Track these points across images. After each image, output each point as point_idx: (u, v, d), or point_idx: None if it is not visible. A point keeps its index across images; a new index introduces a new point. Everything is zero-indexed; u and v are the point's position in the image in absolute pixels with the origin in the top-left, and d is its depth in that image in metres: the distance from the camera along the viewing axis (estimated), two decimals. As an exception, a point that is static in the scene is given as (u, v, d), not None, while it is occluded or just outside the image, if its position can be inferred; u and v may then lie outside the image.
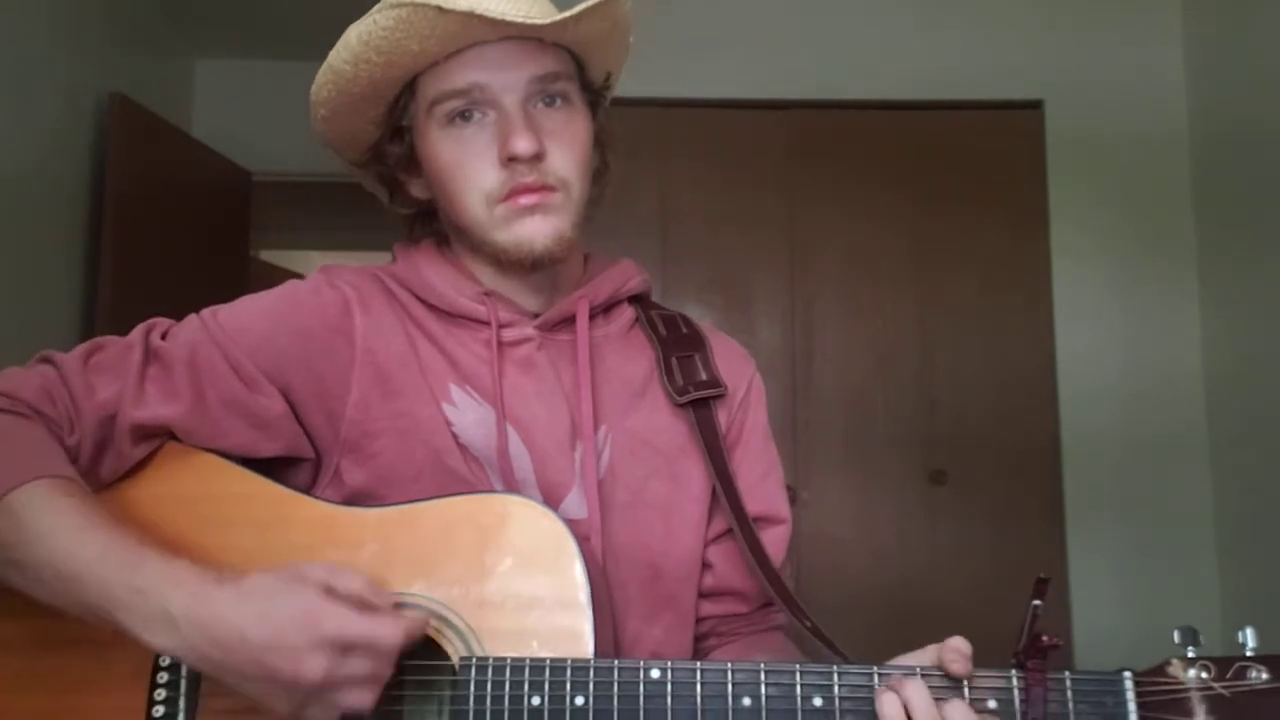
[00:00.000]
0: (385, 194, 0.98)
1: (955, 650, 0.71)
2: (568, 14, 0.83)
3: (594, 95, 0.93)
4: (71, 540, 0.74)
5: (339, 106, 0.90)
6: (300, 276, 0.97)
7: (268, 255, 4.74)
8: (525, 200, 0.85)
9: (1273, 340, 2.64)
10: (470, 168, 0.86)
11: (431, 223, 0.97)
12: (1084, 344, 3.02)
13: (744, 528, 0.90)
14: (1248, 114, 2.79)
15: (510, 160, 0.84)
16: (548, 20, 0.82)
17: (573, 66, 0.90)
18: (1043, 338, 3.04)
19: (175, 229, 3.56)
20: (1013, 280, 3.08)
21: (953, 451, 3.01)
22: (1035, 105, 3.11)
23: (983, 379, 3.04)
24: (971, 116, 3.13)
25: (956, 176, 3.10)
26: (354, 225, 4.90)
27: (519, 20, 0.81)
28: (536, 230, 0.86)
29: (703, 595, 0.95)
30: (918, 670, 0.71)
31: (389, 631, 0.70)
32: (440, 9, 0.80)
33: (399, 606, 0.76)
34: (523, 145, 0.83)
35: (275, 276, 0.97)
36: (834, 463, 3.00)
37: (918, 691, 0.69)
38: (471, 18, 0.80)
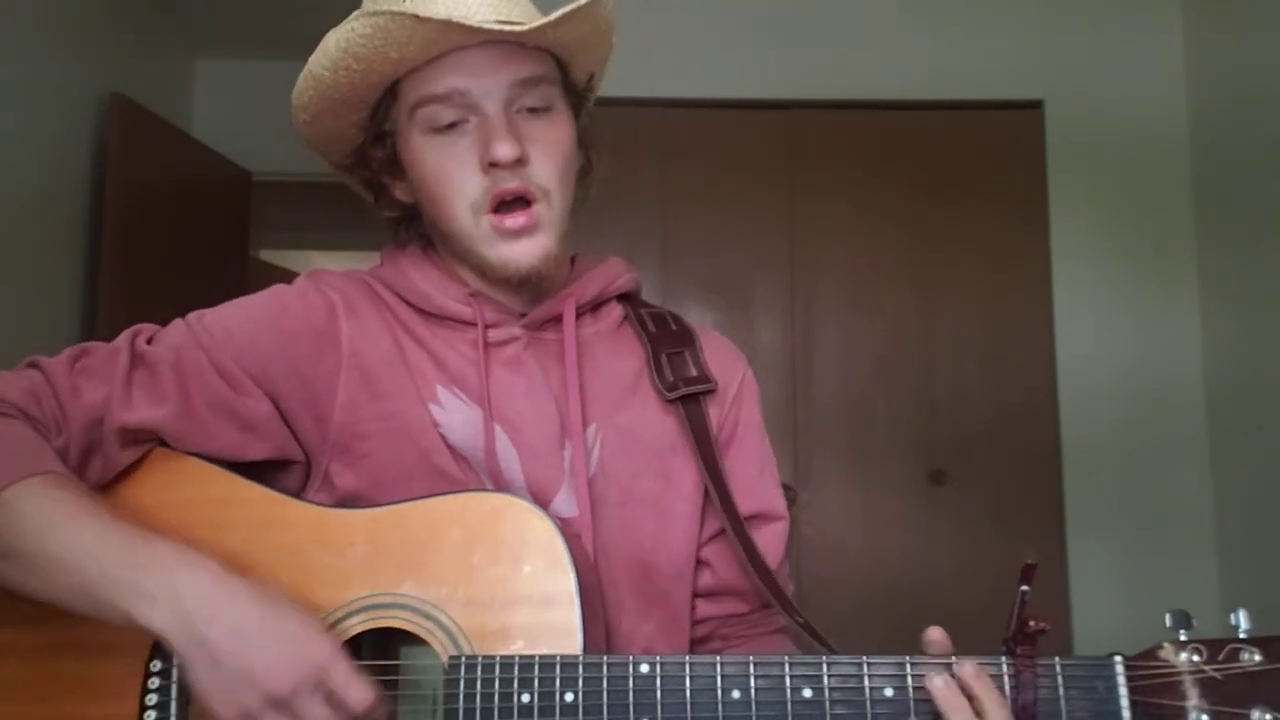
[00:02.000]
0: (370, 196, 0.98)
1: (935, 643, 0.73)
2: (545, 20, 0.83)
3: (576, 97, 0.93)
4: (70, 528, 0.74)
5: (320, 111, 0.90)
6: (300, 276, 0.97)
7: (268, 255, 4.73)
8: (512, 223, 0.85)
9: (1273, 340, 2.64)
10: (453, 174, 0.86)
11: (417, 226, 0.97)
12: (1084, 343, 3.02)
13: (735, 525, 0.90)
14: (1248, 114, 2.79)
15: (492, 165, 0.84)
16: (526, 26, 0.82)
17: (555, 69, 0.90)
18: (1043, 337, 3.04)
19: (175, 229, 3.56)
20: (1013, 280, 3.08)
21: (953, 451, 3.00)
22: (1035, 105, 3.11)
23: (983, 379, 3.03)
24: (971, 116, 3.13)
25: (956, 177, 3.10)
26: (354, 225, 4.90)
27: (496, 27, 0.81)
28: (523, 253, 0.86)
29: (702, 595, 0.95)
30: (953, 658, 0.72)
31: (364, 693, 0.71)
32: (418, 17, 0.79)
33: (391, 608, 0.76)
34: (504, 150, 0.83)
35: (275, 276, 0.97)
36: (834, 463, 3.00)
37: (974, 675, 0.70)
38: (449, 25, 0.80)
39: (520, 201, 0.86)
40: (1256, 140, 2.73)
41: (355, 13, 0.84)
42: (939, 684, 0.70)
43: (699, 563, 0.95)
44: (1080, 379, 3.01)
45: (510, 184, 0.85)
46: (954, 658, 0.71)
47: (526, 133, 0.86)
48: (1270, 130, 2.66)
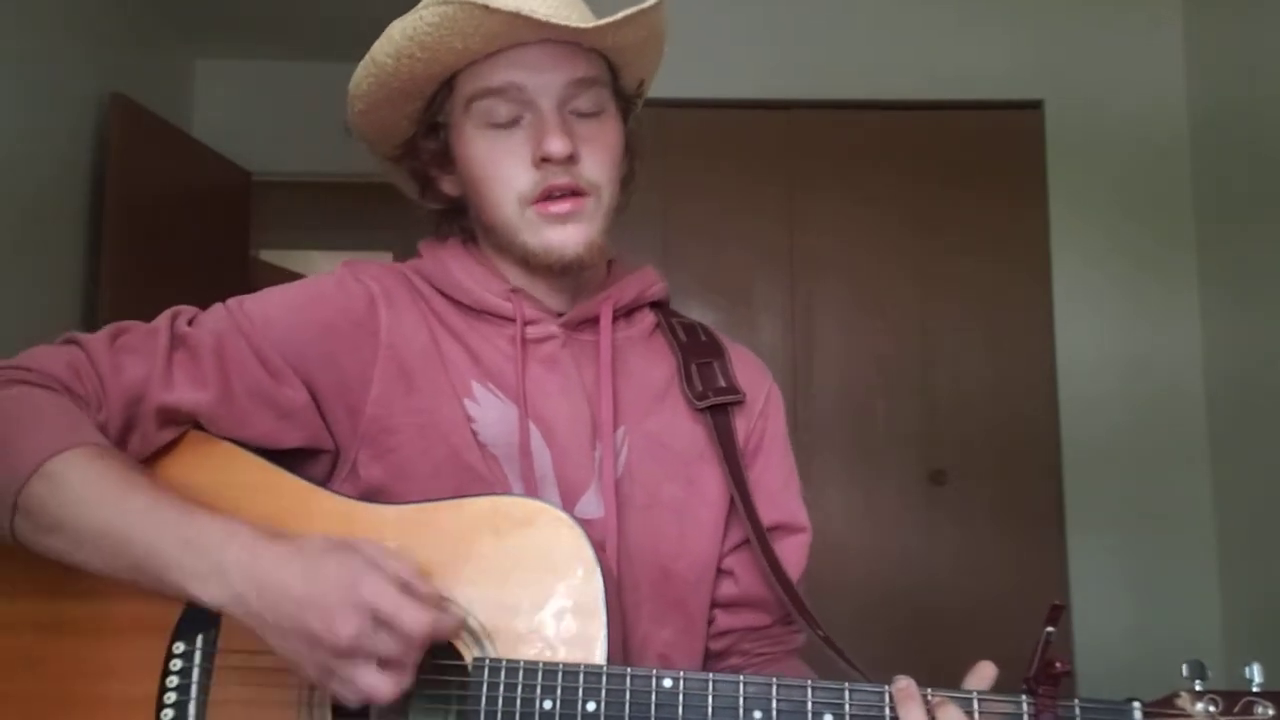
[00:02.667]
0: (416, 189, 0.99)
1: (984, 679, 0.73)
2: (610, 19, 0.83)
3: (626, 102, 0.95)
4: (117, 500, 0.74)
5: (377, 100, 0.91)
6: (300, 276, 0.97)
7: (267, 255, 4.74)
8: (557, 208, 0.86)
9: (1273, 340, 2.64)
10: (504, 167, 0.87)
11: (459, 219, 0.98)
12: (1084, 344, 3.02)
13: (759, 535, 0.90)
14: (1248, 114, 2.79)
15: (544, 161, 0.85)
16: (589, 24, 0.83)
17: (607, 73, 0.91)
18: (1043, 338, 3.04)
19: (175, 229, 3.57)
20: (1013, 280, 3.08)
21: (953, 452, 3.01)
22: (1035, 105, 3.12)
23: (983, 379, 3.04)
24: (971, 116, 3.13)
25: (956, 177, 3.10)
26: (354, 225, 4.91)
27: (562, 23, 0.82)
28: (568, 238, 0.87)
29: (722, 606, 0.95)
30: (928, 693, 0.72)
31: (416, 616, 0.70)
32: (487, 8, 0.80)
33: (444, 601, 0.76)
34: (557, 146, 0.84)
35: (275, 276, 0.97)
36: (834, 462, 3.00)
37: (914, 712, 0.70)
38: (517, 18, 0.81)
39: (569, 193, 0.87)
40: (1256, 140, 2.73)
41: (423, 2, 0.85)
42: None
43: (721, 572, 0.95)
44: (1081, 379, 3.01)
45: (560, 179, 0.86)
46: (973, 694, 0.71)
47: (578, 133, 0.87)
48: (1270, 130, 2.66)
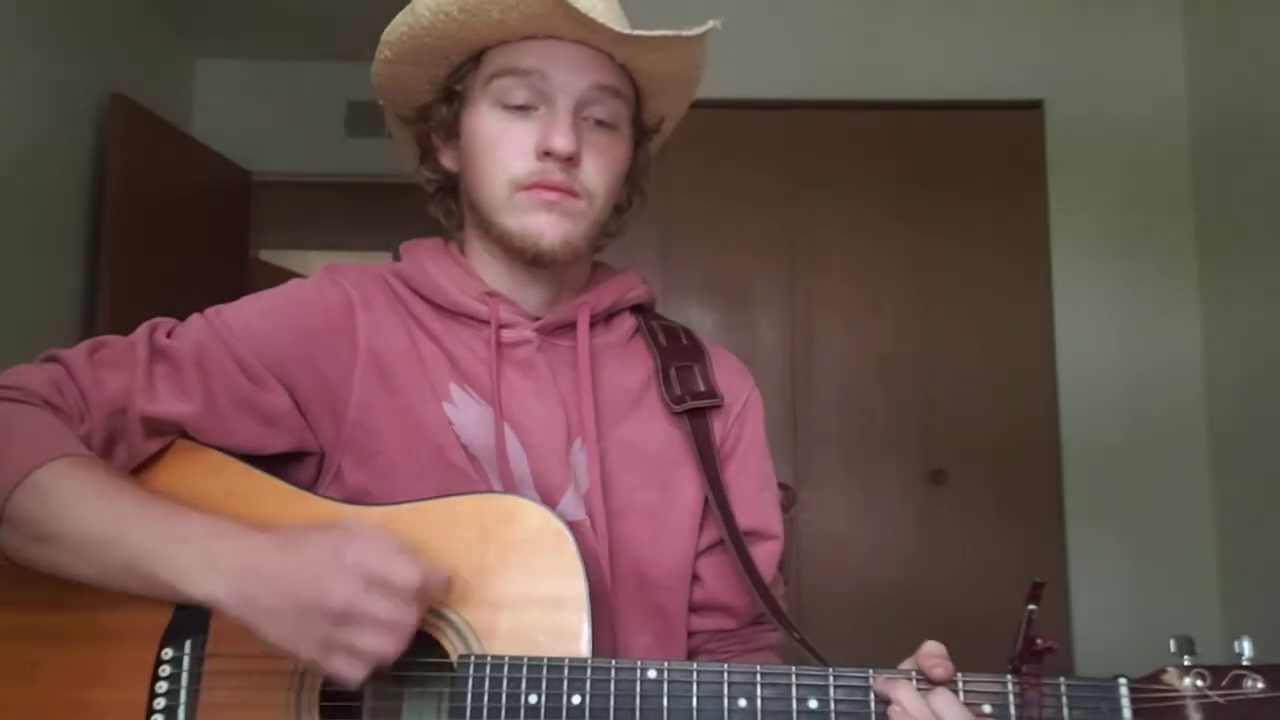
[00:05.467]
0: (415, 158, 0.99)
1: (931, 655, 0.72)
2: (647, 33, 0.84)
3: (641, 132, 0.96)
4: (106, 504, 0.74)
5: (405, 51, 0.90)
6: (300, 276, 0.97)
7: (267, 255, 4.74)
8: (546, 195, 0.86)
9: (1273, 340, 2.64)
10: (505, 149, 0.87)
11: (448, 200, 0.98)
12: (1085, 343, 3.02)
13: (735, 539, 0.90)
14: (1248, 114, 2.79)
15: (545, 154, 0.85)
16: (628, 32, 0.83)
17: (632, 94, 0.92)
18: (1043, 337, 3.04)
19: (175, 229, 3.57)
20: (1013, 280, 3.08)
21: (953, 451, 3.01)
22: (1035, 105, 3.11)
23: (983, 379, 3.04)
24: (971, 116, 3.13)
25: (956, 176, 3.10)
26: (354, 225, 4.91)
27: (599, 19, 0.82)
28: (547, 227, 0.87)
29: (692, 610, 0.95)
30: (912, 674, 0.71)
31: (407, 568, 0.70)
32: None
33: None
34: (561, 143, 0.84)
35: (275, 276, 0.97)
36: (834, 462, 3.00)
37: (906, 693, 0.70)
38: (561, 4, 0.81)
39: (562, 190, 0.87)
40: (1256, 140, 2.73)
41: None
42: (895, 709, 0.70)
43: (691, 576, 0.95)
44: (1081, 379, 3.01)
45: (556, 177, 0.86)
46: (959, 676, 0.71)
47: (587, 139, 0.87)
48: (1270, 130, 2.66)
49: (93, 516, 0.74)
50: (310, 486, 0.87)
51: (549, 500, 0.87)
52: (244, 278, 3.99)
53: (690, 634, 0.95)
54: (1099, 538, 2.96)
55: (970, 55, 3.11)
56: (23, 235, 2.90)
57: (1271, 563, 2.65)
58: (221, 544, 0.72)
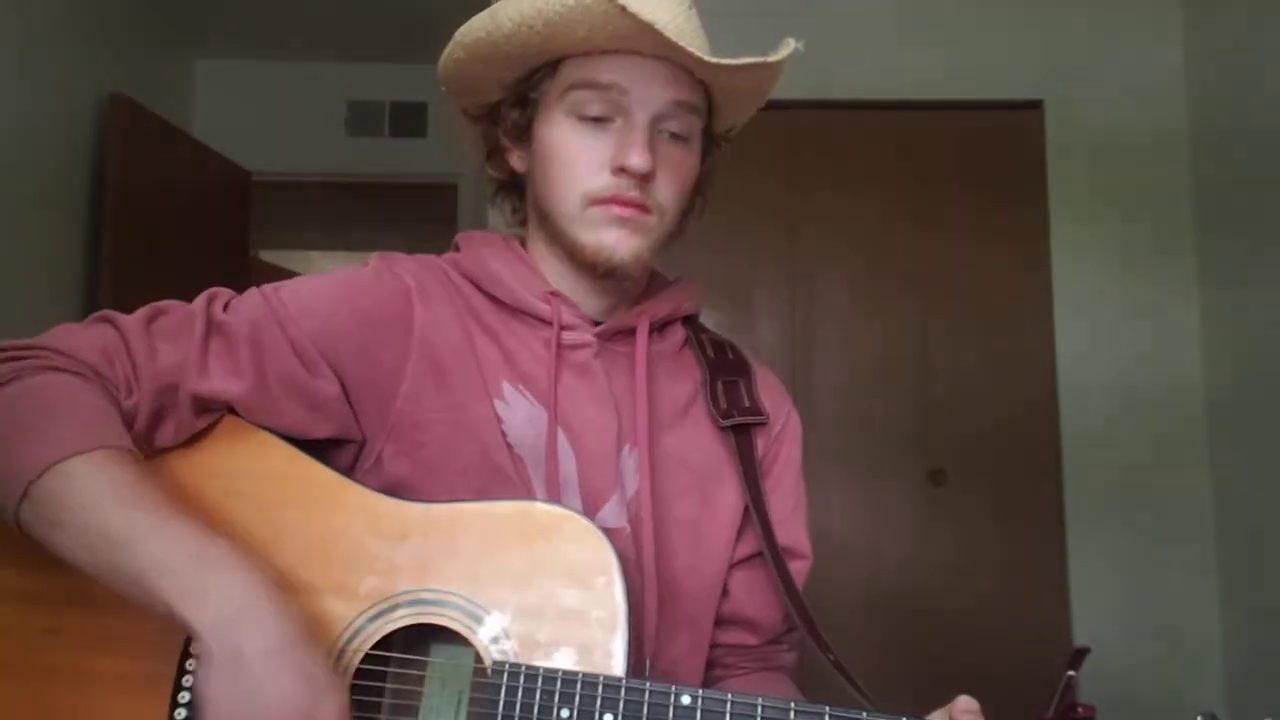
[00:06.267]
0: (481, 153, 0.99)
1: (965, 711, 0.72)
2: (734, 61, 0.84)
3: (710, 142, 0.96)
4: (128, 507, 0.73)
5: (481, 54, 0.89)
6: (300, 276, 0.97)
7: (267, 255, 4.74)
8: (620, 211, 0.86)
9: (1273, 340, 2.64)
10: (581, 162, 0.87)
11: (513, 196, 0.98)
12: (1084, 343, 3.02)
13: (774, 555, 0.91)
14: (1248, 114, 2.79)
15: (621, 170, 0.85)
16: (715, 60, 0.83)
17: (705, 105, 0.92)
18: (1043, 337, 3.04)
19: (175, 229, 3.57)
20: (1013, 280, 3.08)
21: (953, 451, 3.01)
22: (1035, 105, 3.12)
23: (983, 379, 3.04)
24: (971, 116, 3.13)
25: (957, 177, 3.10)
26: (354, 225, 4.92)
27: (689, 48, 0.81)
28: (620, 242, 0.87)
29: (715, 623, 0.95)
30: None
31: None
32: (624, 9, 0.80)
33: (438, 605, 0.77)
34: (638, 161, 0.84)
35: (275, 276, 0.97)
36: (834, 462, 3.00)
37: None
38: (649, 29, 0.80)
39: (636, 206, 0.87)
40: (1256, 140, 2.73)
41: None
42: None
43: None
44: (1080, 379, 3.01)
45: (631, 193, 0.86)
46: None
47: (661, 154, 0.87)
48: (1270, 130, 2.66)
49: (112, 516, 0.73)
50: (348, 471, 0.86)
51: (593, 504, 0.87)
52: (244, 278, 3.97)
53: (710, 646, 0.95)
54: (1099, 537, 2.96)
55: (970, 55, 3.11)
56: (23, 235, 2.90)
57: (1271, 562, 2.65)
58: (247, 580, 0.72)
